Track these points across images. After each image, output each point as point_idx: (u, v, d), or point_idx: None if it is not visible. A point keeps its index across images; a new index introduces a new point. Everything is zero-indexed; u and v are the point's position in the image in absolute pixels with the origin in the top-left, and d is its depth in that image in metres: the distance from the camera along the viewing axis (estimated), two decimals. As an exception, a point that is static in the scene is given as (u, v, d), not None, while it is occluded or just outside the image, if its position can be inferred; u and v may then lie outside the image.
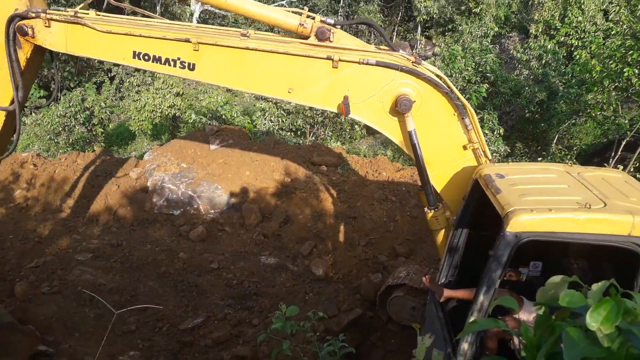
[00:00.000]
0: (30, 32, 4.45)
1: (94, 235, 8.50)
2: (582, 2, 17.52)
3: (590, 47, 11.39)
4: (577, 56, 10.93)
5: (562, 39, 17.39)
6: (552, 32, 18.22)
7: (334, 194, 9.35)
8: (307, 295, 7.24)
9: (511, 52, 17.00)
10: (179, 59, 4.42)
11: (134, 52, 4.48)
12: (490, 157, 4.67)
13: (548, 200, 3.62)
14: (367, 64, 4.30)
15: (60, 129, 12.73)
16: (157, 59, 4.47)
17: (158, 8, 21.07)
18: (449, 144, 4.64)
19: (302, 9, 4.49)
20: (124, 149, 15.05)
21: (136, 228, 8.82)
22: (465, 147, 4.62)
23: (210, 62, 4.45)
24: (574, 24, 17.44)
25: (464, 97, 4.63)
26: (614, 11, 9.67)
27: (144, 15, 5.12)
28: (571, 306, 1.27)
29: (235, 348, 6.19)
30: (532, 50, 15.39)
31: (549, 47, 14.94)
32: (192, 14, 21.18)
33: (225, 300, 7.23)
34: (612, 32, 9.57)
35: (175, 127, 13.82)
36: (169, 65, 4.47)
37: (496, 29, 18.39)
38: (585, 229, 3.35)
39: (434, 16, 22.58)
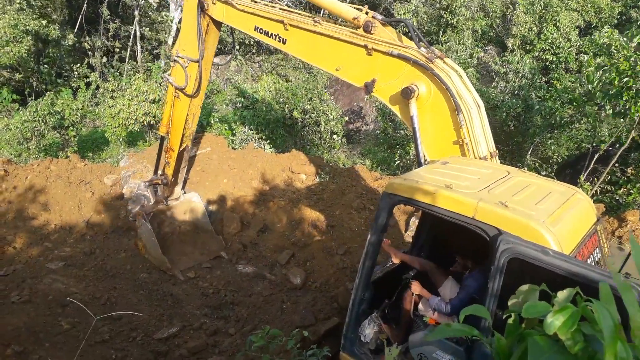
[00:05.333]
0: (206, 6, 6.83)
1: (67, 243, 8.32)
2: (557, 19, 18.00)
3: (567, 63, 11.66)
4: (556, 75, 11.13)
5: (537, 53, 17.81)
6: (527, 47, 18.65)
7: (313, 202, 9.35)
8: (284, 304, 7.19)
9: (490, 65, 17.31)
10: (278, 34, 6.08)
11: (255, 27, 6.29)
12: (480, 155, 4.87)
13: (443, 180, 3.90)
14: (390, 55, 5.14)
15: (31, 134, 12.41)
16: (266, 33, 6.18)
17: (136, 13, 20.89)
18: (444, 137, 5.07)
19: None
20: (98, 155, 14.79)
21: (110, 236, 8.66)
22: (455, 143, 4.98)
23: (295, 39, 5.97)
24: (549, 40, 17.90)
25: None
26: (606, 34, 9.72)
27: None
28: (534, 316, 1.30)
29: (211, 358, 6.11)
30: (511, 64, 15.70)
31: (527, 62, 15.23)
32: (172, 20, 21.09)
33: (201, 310, 7.14)
34: (600, 55, 9.59)
35: (153, 134, 13.63)
36: (273, 38, 6.14)
37: (472, 47, 18.72)
38: (439, 204, 3.68)
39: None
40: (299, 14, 6.13)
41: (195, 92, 7.49)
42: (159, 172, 8.51)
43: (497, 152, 5.25)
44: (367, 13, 5.45)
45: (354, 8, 5.59)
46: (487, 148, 5.05)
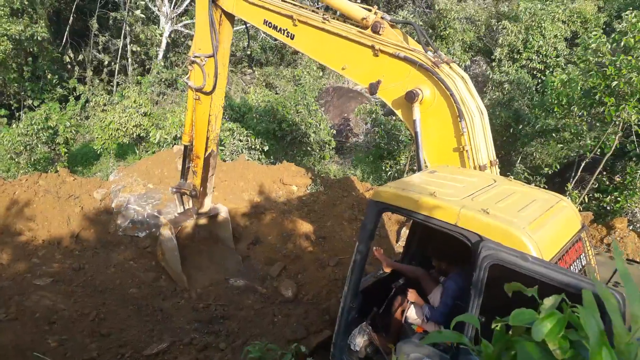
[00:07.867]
0: None
1: (55, 259, 8.20)
2: (543, 28, 18.24)
3: (554, 71, 11.80)
4: (550, 81, 11.21)
5: (524, 62, 18.01)
6: (515, 56, 18.85)
7: (304, 214, 9.32)
8: (275, 317, 7.12)
9: (482, 74, 17.43)
10: (286, 29, 6.06)
11: (265, 20, 6.28)
12: (481, 164, 4.88)
13: (429, 188, 3.93)
14: (397, 57, 5.14)
15: (22, 148, 12.31)
16: (275, 27, 6.18)
17: (125, 27, 20.91)
18: (446, 143, 5.06)
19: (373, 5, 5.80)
20: (88, 170, 14.69)
21: (99, 251, 8.57)
22: (456, 150, 4.97)
23: (303, 35, 5.95)
24: (535, 49, 18.12)
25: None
26: (594, 37, 9.86)
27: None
28: (521, 324, 1.30)
29: (201, 373, 6.02)
30: (509, 74, 15.75)
31: (521, 72, 15.28)
32: (162, 34, 21.12)
33: (191, 324, 7.04)
34: (591, 62, 9.70)
35: (143, 147, 13.58)
36: (282, 33, 6.12)
37: (465, 59, 18.91)
38: (423, 211, 3.71)
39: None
40: (309, 10, 6.09)
41: (214, 88, 7.26)
42: (187, 182, 8.15)
43: (497, 160, 5.25)
44: (375, 13, 5.44)
45: (364, 8, 5.58)
46: (487, 156, 5.05)
